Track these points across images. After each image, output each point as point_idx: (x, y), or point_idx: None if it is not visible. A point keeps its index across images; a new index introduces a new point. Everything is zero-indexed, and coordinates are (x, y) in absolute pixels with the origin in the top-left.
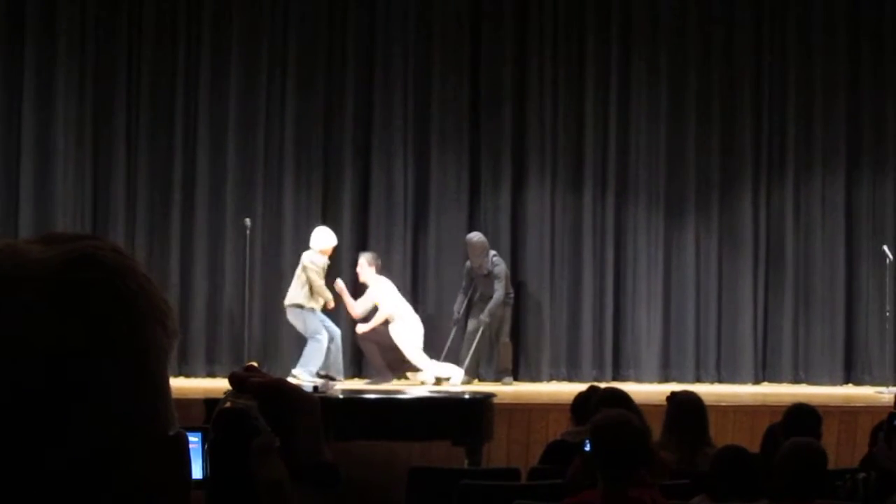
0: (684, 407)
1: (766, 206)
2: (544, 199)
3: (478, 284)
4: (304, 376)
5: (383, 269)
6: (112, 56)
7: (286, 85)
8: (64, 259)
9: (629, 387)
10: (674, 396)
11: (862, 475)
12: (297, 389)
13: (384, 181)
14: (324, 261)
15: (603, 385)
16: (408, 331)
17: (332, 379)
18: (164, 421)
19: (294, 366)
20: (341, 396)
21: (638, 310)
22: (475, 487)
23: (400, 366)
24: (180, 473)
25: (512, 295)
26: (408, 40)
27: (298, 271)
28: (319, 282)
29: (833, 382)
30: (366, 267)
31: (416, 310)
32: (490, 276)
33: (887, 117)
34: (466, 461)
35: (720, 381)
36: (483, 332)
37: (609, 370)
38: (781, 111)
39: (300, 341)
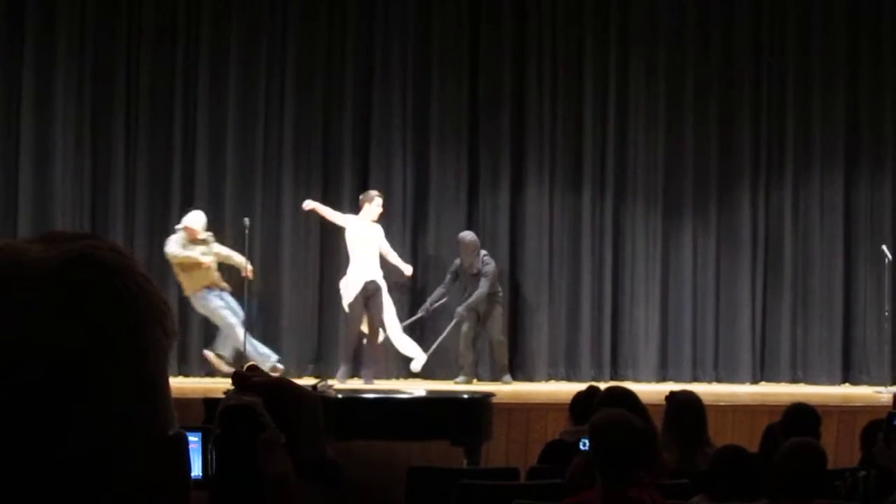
0: (683, 407)
1: (764, 207)
2: (543, 199)
3: (466, 284)
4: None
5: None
6: (111, 56)
7: (285, 85)
8: (63, 259)
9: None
10: (672, 396)
11: (862, 474)
12: (299, 388)
13: (383, 181)
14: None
15: (602, 385)
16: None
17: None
18: (163, 421)
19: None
20: (340, 396)
21: (636, 309)
22: (474, 487)
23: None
24: (180, 473)
25: (501, 293)
26: (407, 40)
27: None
28: (182, 253)
29: (831, 382)
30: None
31: (415, 308)
32: (479, 276)
33: (886, 118)
34: (465, 461)
35: (718, 380)
36: (458, 326)
37: (607, 370)
38: (780, 112)
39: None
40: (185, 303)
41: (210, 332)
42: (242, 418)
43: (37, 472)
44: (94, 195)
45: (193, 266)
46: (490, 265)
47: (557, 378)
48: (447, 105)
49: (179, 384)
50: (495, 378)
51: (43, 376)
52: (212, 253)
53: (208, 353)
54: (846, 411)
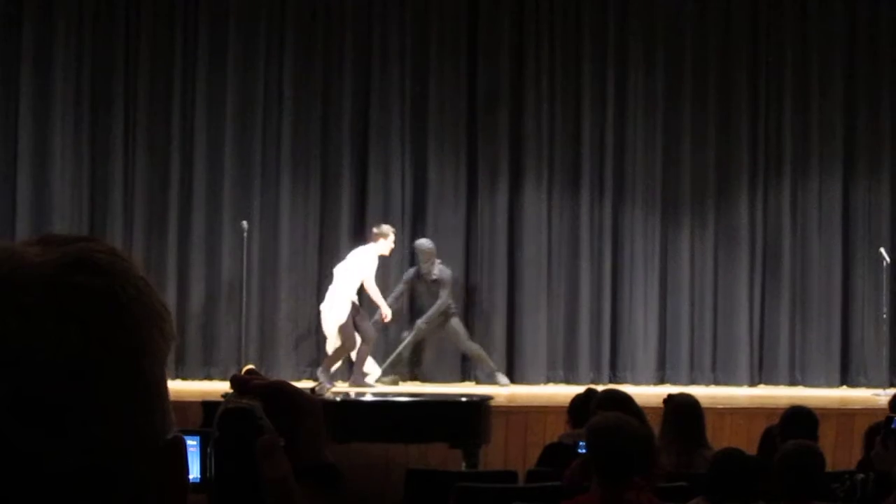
0: (681, 409)
1: (762, 209)
2: (541, 201)
3: (422, 292)
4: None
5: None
6: (109, 58)
7: (283, 87)
8: (61, 262)
9: (626, 389)
10: (670, 399)
11: (860, 476)
12: (298, 392)
13: (381, 183)
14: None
15: (600, 387)
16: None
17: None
18: (162, 424)
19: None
20: (338, 399)
21: (635, 312)
22: (472, 490)
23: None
24: (178, 477)
25: (454, 305)
26: (405, 42)
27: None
28: None
29: (829, 385)
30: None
31: (412, 312)
32: (436, 283)
33: (883, 120)
34: (464, 463)
35: (716, 383)
36: (418, 337)
37: (606, 372)
38: (778, 114)
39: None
40: (182, 305)
41: (208, 336)
42: (241, 421)
43: (35, 477)
44: (93, 198)
45: None
46: (447, 273)
47: (556, 381)
48: (445, 107)
49: (178, 387)
50: (491, 382)
51: (40, 380)
52: None
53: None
54: (844, 414)
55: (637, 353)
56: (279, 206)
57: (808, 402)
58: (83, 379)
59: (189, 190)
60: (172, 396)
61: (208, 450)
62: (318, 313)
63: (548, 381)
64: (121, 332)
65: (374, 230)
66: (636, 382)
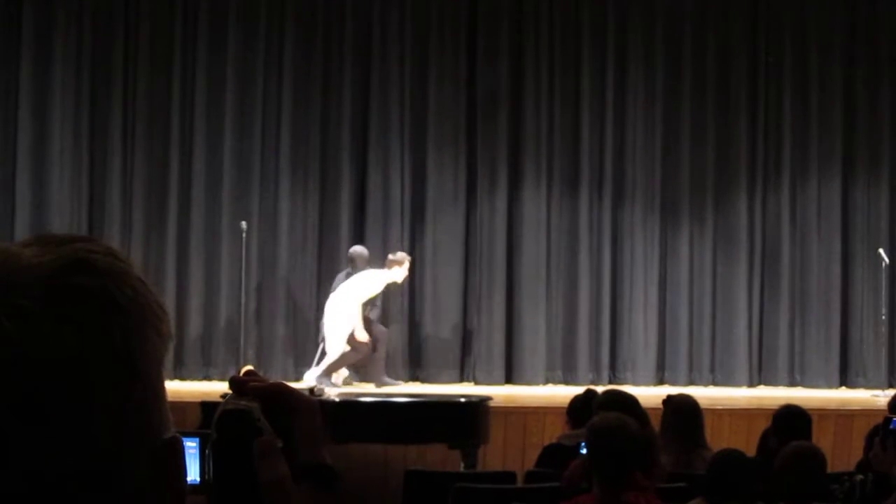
0: (680, 410)
1: (761, 210)
2: (540, 202)
3: None
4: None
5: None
6: (108, 59)
7: (282, 88)
8: (58, 264)
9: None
10: (670, 400)
11: (859, 478)
12: (296, 393)
13: (381, 184)
14: None
15: (599, 388)
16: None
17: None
18: (159, 424)
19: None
20: (337, 400)
21: (634, 312)
22: (471, 490)
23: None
24: (176, 477)
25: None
26: (404, 44)
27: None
28: None
29: (828, 385)
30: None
31: (412, 312)
32: None
33: (883, 120)
34: (462, 464)
35: (715, 384)
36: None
37: (605, 373)
38: (777, 114)
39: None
40: (181, 306)
41: (206, 336)
42: (239, 423)
43: (34, 477)
44: (92, 199)
45: None
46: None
47: (555, 381)
48: (444, 108)
49: (176, 388)
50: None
51: (38, 381)
52: None
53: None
54: (843, 415)
55: (636, 354)
56: (278, 206)
57: (807, 403)
58: (80, 380)
59: (188, 190)
60: (171, 397)
61: (207, 451)
62: (317, 314)
63: (546, 381)
64: (117, 333)
65: (390, 257)
66: (635, 383)
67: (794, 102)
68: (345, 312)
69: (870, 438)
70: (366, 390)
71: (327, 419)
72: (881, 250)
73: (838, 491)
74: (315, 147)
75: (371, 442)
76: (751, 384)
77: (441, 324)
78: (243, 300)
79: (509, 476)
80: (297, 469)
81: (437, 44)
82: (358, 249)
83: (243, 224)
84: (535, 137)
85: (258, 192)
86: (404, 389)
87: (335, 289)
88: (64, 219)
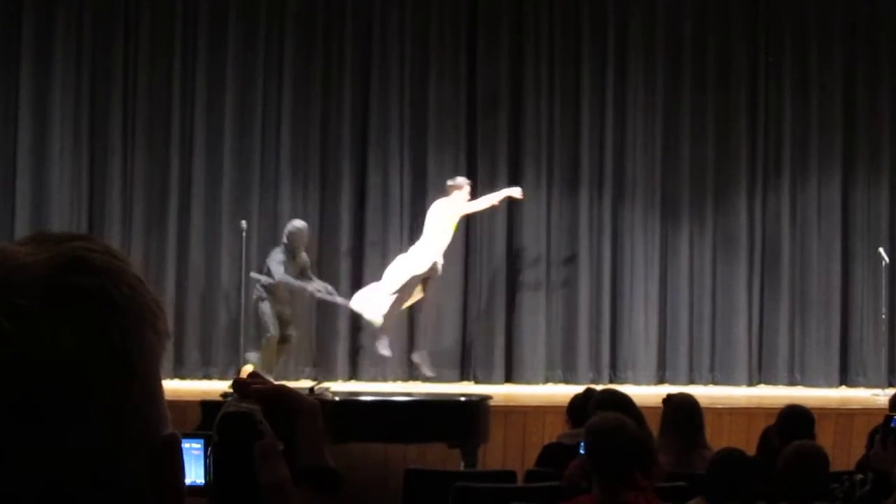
0: (680, 409)
1: (761, 208)
2: (541, 200)
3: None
4: None
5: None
6: (108, 58)
7: (282, 87)
8: (54, 263)
9: (625, 389)
10: (670, 399)
11: (859, 477)
12: (298, 395)
13: (381, 182)
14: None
15: (599, 387)
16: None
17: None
18: (157, 423)
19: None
20: (337, 399)
21: (634, 312)
22: (471, 489)
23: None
24: (174, 476)
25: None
26: (404, 43)
27: None
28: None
29: (828, 385)
30: None
31: (412, 311)
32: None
33: (883, 119)
34: (462, 463)
35: (715, 383)
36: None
37: (606, 372)
38: (777, 114)
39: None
40: (181, 305)
41: (206, 335)
42: (240, 426)
43: (32, 476)
44: (92, 198)
45: None
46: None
47: (555, 381)
48: (444, 106)
49: (175, 387)
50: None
51: (35, 380)
52: None
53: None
54: (843, 414)
55: (636, 353)
56: (278, 205)
57: (807, 403)
58: (78, 379)
59: (188, 189)
60: (171, 397)
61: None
62: (318, 313)
63: (546, 381)
64: (115, 332)
65: (449, 182)
66: (636, 382)
67: (793, 101)
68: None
69: (871, 437)
70: (365, 389)
71: (327, 419)
72: (881, 249)
73: (838, 490)
74: (315, 146)
75: (371, 441)
76: (751, 383)
77: (441, 323)
78: (243, 300)
79: (509, 475)
80: (300, 471)
81: (437, 43)
82: (303, 224)
83: (243, 223)
84: (535, 136)
85: (258, 191)
86: (404, 388)
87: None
88: (64, 219)
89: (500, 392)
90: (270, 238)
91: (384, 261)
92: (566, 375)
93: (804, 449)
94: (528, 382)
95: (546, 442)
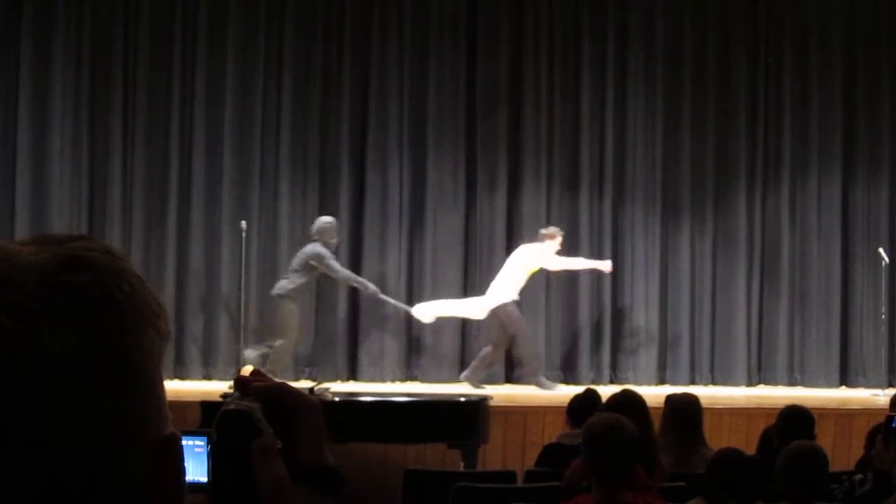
0: (681, 409)
1: (761, 209)
2: (540, 201)
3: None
4: None
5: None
6: (108, 58)
7: (282, 87)
8: (55, 262)
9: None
10: (670, 398)
11: (858, 477)
12: (298, 394)
13: (380, 183)
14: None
15: (600, 388)
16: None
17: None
18: (157, 423)
19: (292, 367)
20: (337, 399)
21: (635, 312)
22: (471, 490)
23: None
24: (174, 475)
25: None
26: (403, 44)
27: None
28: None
29: (828, 385)
30: None
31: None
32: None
33: (882, 120)
34: (462, 464)
35: (715, 383)
36: None
37: (606, 372)
38: (777, 114)
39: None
40: (181, 305)
41: (207, 335)
42: (239, 423)
43: (32, 474)
44: (92, 197)
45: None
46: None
47: (555, 381)
48: (444, 107)
49: (176, 387)
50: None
51: (37, 379)
52: None
53: None
54: (843, 414)
55: (637, 354)
56: (278, 206)
57: (807, 403)
58: (77, 378)
59: (188, 190)
60: (171, 397)
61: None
62: (316, 313)
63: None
64: (115, 331)
65: (542, 231)
66: (637, 382)
67: (794, 101)
68: (504, 295)
69: (871, 437)
70: (365, 389)
71: (327, 418)
72: (881, 250)
73: (837, 490)
74: (314, 146)
75: (371, 441)
76: (750, 383)
77: (441, 323)
78: (243, 300)
79: (509, 475)
80: (300, 470)
81: (437, 43)
82: (333, 219)
83: (243, 223)
84: (534, 136)
85: (258, 191)
86: (403, 388)
87: (299, 258)
88: (64, 219)
89: (500, 392)
90: (270, 238)
91: (381, 260)
92: (567, 376)
93: (803, 449)
94: (529, 382)
95: (546, 442)
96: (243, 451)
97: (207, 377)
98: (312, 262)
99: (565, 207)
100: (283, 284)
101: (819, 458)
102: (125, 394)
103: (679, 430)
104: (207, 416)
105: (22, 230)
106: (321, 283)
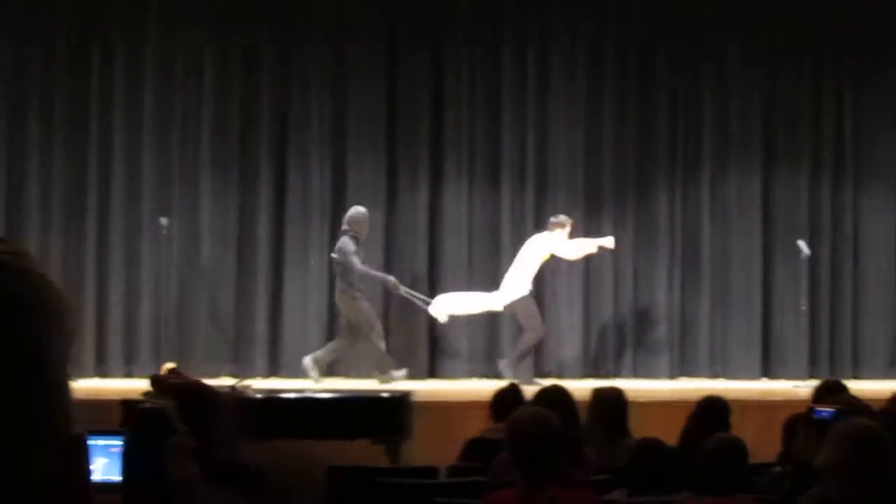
0: (606, 401)
1: (681, 203)
2: (462, 197)
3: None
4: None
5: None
6: (25, 56)
7: (203, 83)
8: None
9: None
10: (596, 392)
11: (778, 469)
12: (214, 392)
13: (300, 182)
14: None
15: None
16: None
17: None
18: (64, 422)
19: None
20: (259, 396)
21: (558, 307)
22: (394, 486)
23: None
24: (80, 474)
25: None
26: (324, 39)
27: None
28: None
29: (750, 377)
30: None
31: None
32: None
33: (801, 113)
34: (386, 459)
35: (637, 376)
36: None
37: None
38: (697, 108)
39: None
40: (102, 303)
41: (128, 333)
42: (153, 421)
43: None
44: (9, 197)
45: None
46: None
47: (477, 375)
48: (365, 104)
49: (98, 386)
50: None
51: None
52: None
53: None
54: (765, 406)
55: (561, 348)
56: (198, 203)
57: (729, 395)
58: None
59: (107, 188)
60: (92, 395)
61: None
62: (236, 309)
63: (470, 375)
64: (21, 330)
65: (552, 219)
66: (560, 376)
67: (713, 95)
68: (518, 289)
69: (788, 429)
70: (286, 386)
71: (250, 415)
72: (801, 242)
73: (758, 483)
74: (235, 143)
75: (295, 438)
76: (672, 376)
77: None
78: (164, 297)
79: (431, 471)
80: (217, 469)
81: (358, 40)
82: (362, 210)
83: (163, 220)
84: (455, 131)
85: (178, 188)
86: (327, 385)
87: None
88: None
89: (424, 388)
90: (191, 235)
91: (303, 258)
92: (488, 370)
93: (723, 441)
94: (451, 377)
95: (470, 437)
96: (157, 449)
97: (129, 375)
98: (334, 255)
99: (487, 202)
100: (341, 286)
101: (737, 450)
102: (29, 394)
103: (605, 421)
104: (129, 415)
105: None
106: (242, 279)
